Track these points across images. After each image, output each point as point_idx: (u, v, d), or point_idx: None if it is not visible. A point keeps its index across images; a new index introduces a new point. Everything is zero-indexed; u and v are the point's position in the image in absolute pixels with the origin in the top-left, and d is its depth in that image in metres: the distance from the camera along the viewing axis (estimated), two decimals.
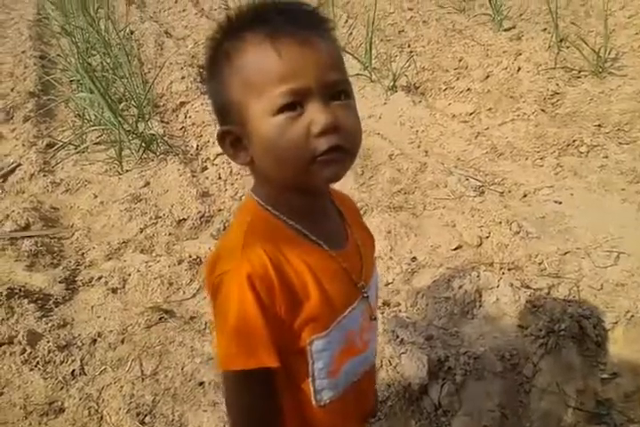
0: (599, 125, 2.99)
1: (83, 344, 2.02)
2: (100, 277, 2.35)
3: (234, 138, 0.82)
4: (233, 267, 0.79)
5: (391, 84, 3.83)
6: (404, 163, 2.96)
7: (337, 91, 0.79)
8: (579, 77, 3.46)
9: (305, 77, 0.76)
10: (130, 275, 2.33)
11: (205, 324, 2.07)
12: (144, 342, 2.00)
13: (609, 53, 3.53)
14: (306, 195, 0.86)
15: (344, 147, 0.78)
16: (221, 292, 0.80)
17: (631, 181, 2.56)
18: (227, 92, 0.80)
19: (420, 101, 3.65)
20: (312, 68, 0.77)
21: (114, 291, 2.28)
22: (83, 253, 2.55)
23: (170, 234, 2.55)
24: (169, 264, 2.33)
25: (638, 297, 1.93)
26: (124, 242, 2.53)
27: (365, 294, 0.93)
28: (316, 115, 0.76)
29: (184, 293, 2.24)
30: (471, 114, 3.38)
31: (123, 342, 2.03)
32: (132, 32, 5.16)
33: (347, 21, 5.01)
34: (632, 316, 1.88)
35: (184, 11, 5.88)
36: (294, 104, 0.76)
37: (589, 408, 1.70)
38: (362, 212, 2.62)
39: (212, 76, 0.84)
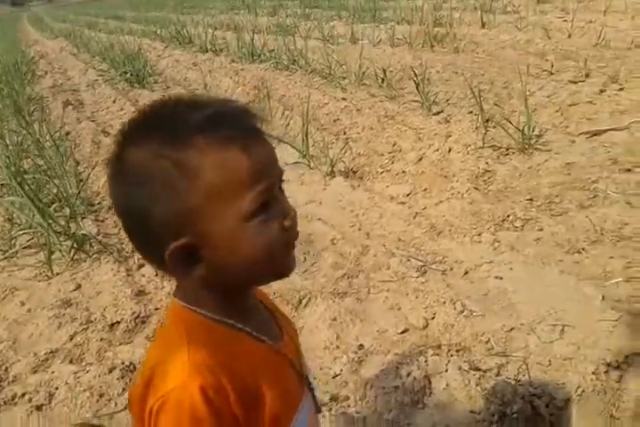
0: (531, 199, 3.13)
1: None
2: (23, 394, 2.21)
3: (187, 252, 0.76)
4: (179, 383, 0.72)
5: (329, 169, 3.96)
6: (346, 247, 2.99)
7: (281, 180, 0.83)
8: (507, 155, 3.66)
9: (270, 175, 0.78)
10: (57, 388, 2.20)
11: None
12: None
13: (533, 131, 3.77)
14: (246, 293, 0.86)
15: (297, 232, 0.83)
16: (166, 417, 0.72)
17: (567, 252, 2.64)
18: (182, 204, 0.74)
19: (359, 185, 3.77)
20: (272, 164, 0.79)
21: (38, 408, 2.13)
22: (6, 368, 2.40)
23: (101, 340, 2.45)
24: (99, 373, 2.21)
25: (587, 371, 1.94)
26: (51, 352, 2.40)
27: (311, 385, 0.93)
28: (285, 209, 0.79)
29: (116, 404, 2.11)
30: (408, 195, 3.49)
31: None
32: (67, 133, 5.25)
33: (283, 113, 5.24)
34: (583, 391, 1.87)
35: (122, 110, 6.05)
36: (265, 203, 0.77)
37: None
38: (305, 300, 2.62)
39: (149, 190, 0.75)
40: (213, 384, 0.73)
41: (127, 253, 3.16)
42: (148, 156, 0.75)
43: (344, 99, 5.28)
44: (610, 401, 1.85)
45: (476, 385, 1.93)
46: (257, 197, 0.75)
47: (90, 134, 5.21)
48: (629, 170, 3.21)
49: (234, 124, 0.77)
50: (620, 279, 2.39)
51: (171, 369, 0.75)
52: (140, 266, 3.03)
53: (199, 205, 0.74)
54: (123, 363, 2.28)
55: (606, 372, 1.93)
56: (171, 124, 0.76)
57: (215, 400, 0.72)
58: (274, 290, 2.64)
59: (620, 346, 1.99)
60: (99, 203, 3.84)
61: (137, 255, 3.12)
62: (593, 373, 1.93)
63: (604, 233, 2.72)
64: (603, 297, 2.26)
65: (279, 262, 0.80)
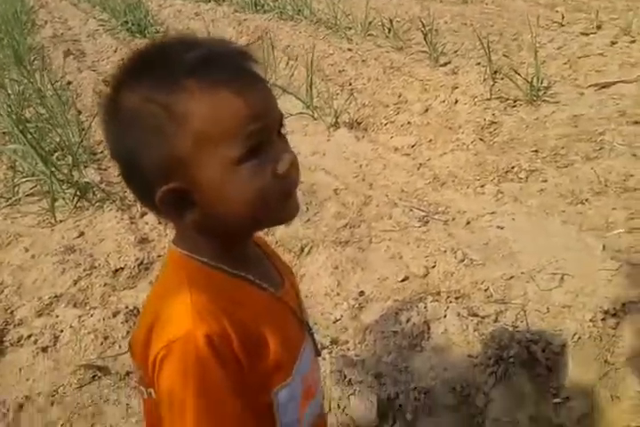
0: (536, 151, 3.08)
1: (8, 411, 1.89)
2: (29, 336, 2.24)
3: (178, 196, 0.75)
4: (184, 332, 0.71)
5: (333, 121, 3.89)
6: (349, 197, 2.97)
7: (282, 126, 0.79)
8: (514, 106, 3.59)
9: (265, 118, 0.74)
10: (62, 331, 2.22)
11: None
12: (75, 404, 1.89)
13: (541, 83, 3.68)
14: (244, 240, 0.85)
15: (298, 180, 0.79)
16: (171, 367, 0.71)
17: (570, 203, 2.62)
18: (170, 149, 0.72)
19: (363, 137, 3.71)
20: (267, 108, 0.76)
21: (44, 350, 2.16)
22: (12, 311, 2.43)
23: (105, 285, 2.47)
24: (103, 317, 2.23)
25: (584, 318, 1.94)
26: (55, 296, 2.42)
27: (311, 331, 0.93)
28: (280, 154, 0.75)
29: (120, 347, 2.14)
30: (412, 146, 3.44)
31: (52, 404, 1.92)
32: (69, 82, 5.15)
33: (288, 63, 5.12)
34: (579, 338, 1.89)
35: (123, 60, 5.91)
36: (257, 147, 0.73)
37: None
38: (308, 248, 2.62)
39: (139, 134, 0.74)
40: (218, 331, 0.72)
41: (130, 201, 3.14)
42: (138, 99, 0.73)
43: (350, 49, 5.14)
44: (605, 347, 1.87)
45: (474, 331, 1.94)
46: (247, 139, 0.72)
47: (91, 84, 5.11)
48: (637, 122, 3.15)
49: (228, 66, 0.74)
50: (622, 230, 2.38)
51: (174, 314, 0.74)
52: (143, 214, 3.02)
53: (188, 149, 0.72)
54: (127, 307, 2.30)
55: (603, 319, 1.93)
56: (162, 66, 0.73)
57: (221, 349, 0.71)
58: (276, 238, 2.64)
59: (618, 295, 1.99)
60: (101, 152, 3.80)
61: (139, 203, 3.11)
62: (590, 320, 1.93)
63: (608, 184, 2.68)
64: (603, 247, 2.25)
65: (275, 209, 0.77)
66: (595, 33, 4.48)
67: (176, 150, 0.72)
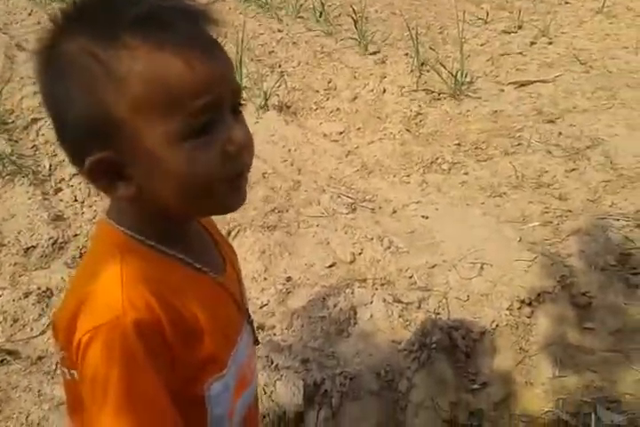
0: (459, 144, 3.14)
1: None
2: None
3: (110, 167, 0.66)
4: (112, 317, 0.63)
5: (262, 103, 3.78)
6: (278, 181, 2.91)
7: (239, 101, 0.70)
8: (439, 99, 3.63)
9: (217, 89, 0.65)
10: None
11: (56, 364, 1.83)
12: None
13: (465, 77, 3.75)
14: (187, 221, 0.77)
15: (250, 165, 0.71)
16: (96, 352, 0.63)
17: (490, 195, 2.69)
18: (103, 112, 0.63)
19: (292, 121, 3.64)
20: (220, 78, 0.66)
21: None
22: None
23: (15, 264, 2.27)
24: (13, 298, 2.06)
25: (502, 307, 2.01)
26: None
27: (250, 318, 0.88)
28: (232, 132, 0.66)
29: (31, 329, 1.99)
30: (341, 133, 3.41)
31: None
32: None
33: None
34: (497, 325, 1.95)
35: (38, 23, 5.47)
36: (207, 124, 0.64)
37: (462, 420, 1.71)
38: (235, 232, 2.54)
39: (71, 87, 0.64)
40: (148, 318, 0.64)
41: (44, 175, 2.91)
42: (75, 49, 0.64)
43: (280, 30, 5.01)
44: (521, 335, 1.94)
45: (399, 317, 1.96)
46: (194, 114, 0.63)
47: (2, 48, 4.68)
48: (552, 121, 3.28)
49: (180, 27, 0.64)
50: (537, 223, 2.47)
51: (103, 295, 0.66)
52: (58, 190, 2.81)
53: (123, 115, 0.63)
54: (39, 288, 2.13)
55: (519, 308, 2.01)
56: (105, 17, 0.64)
57: (149, 337, 0.64)
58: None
59: (533, 284, 2.07)
60: (12, 122, 3.49)
61: (54, 178, 2.90)
62: (507, 308, 2.00)
63: (524, 179, 2.78)
64: (520, 239, 2.33)
65: (218, 195, 0.68)
66: (516, 32, 4.61)
67: (110, 114, 0.63)
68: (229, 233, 2.49)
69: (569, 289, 2.08)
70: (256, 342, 0.91)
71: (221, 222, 2.56)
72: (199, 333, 0.71)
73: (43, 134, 3.26)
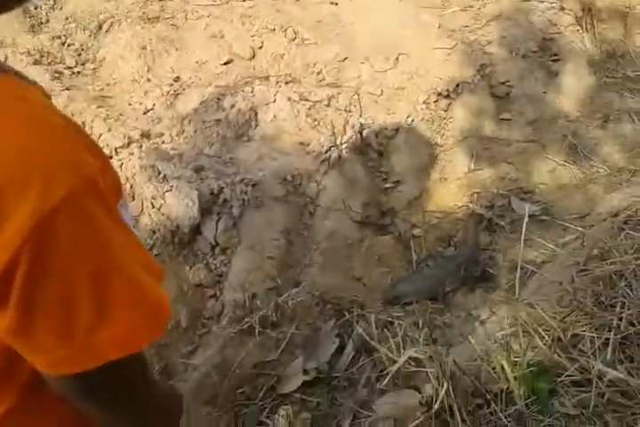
0: None
1: None
2: None
3: None
4: (73, 182, 0.42)
5: None
6: None
7: None
8: None
9: None
10: None
11: None
12: None
13: None
14: None
15: None
16: (66, 230, 0.42)
17: None
18: None
19: None
20: None
21: None
22: None
23: None
24: None
25: (418, 100, 1.70)
26: None
27: None
28: None
29: None
30: None
31: None
32: None
33: None
34: (412, 120, 1.66)
35: None
36: None
37: (374, 221, 1.51)
38: (107, 25, 1.97)
39: None
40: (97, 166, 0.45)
41: None
42: None
43: None
44: (436, 130, 1.68)
45: (306, 116, 1.62)
46: None
47: None
48: None
49: None
50: (457, 8, 2.06)
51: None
52: None
53: None
54: None
55: (436, 101, 1.71)
56: None
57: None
58: (65, 13, 1.94)
59: (452, 75, 1.76)
60: None
61: None
62: (423, 102, 1.70)
63: None
64: (439, 25, 1.94)
65: None
66: None
67: None
68: (100, 27, 1.93)
69: (488, 79, 1.78)
70: None
71: (90, 14, 1.98)
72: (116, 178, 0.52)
73: None
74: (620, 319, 0.94)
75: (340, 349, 1.17)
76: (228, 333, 1.20)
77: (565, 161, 1.64)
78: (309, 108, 1.64)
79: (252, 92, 1.68)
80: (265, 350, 1.17)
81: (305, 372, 1.12)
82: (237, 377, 1.12)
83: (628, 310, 0.94)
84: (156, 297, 0.48)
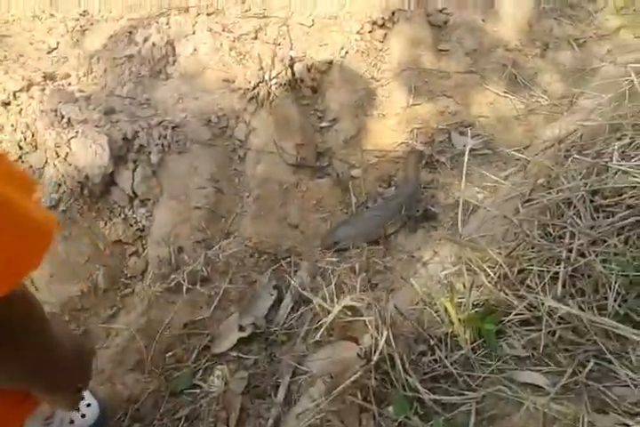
0: None
1: None
2: None
3: None
4: None
5: None
6: None
7: None
8: None
9: None
10: None
11: None
12: None
13: None
14: None
15: None
16: None
17: None
18: None
19: None
20: None
21: None
22: None
23: None
24: None
25: (352, 30, 1.54)
26: None
27: None
28: None
29: None
30: None
31: None
32: None
33: None
34: (347, 52, 1.51)
35: None
36: None
37: (310, 163, 1.38)
38: None
39: None
40: None
41: None
42: None
43: None
44: (372, 62, 1.53)
45: (230, 50, 1.44)
46: None
47: None
48: None
49: None
50: None
51: None
52: None
53: None
54: None
55: (371, 31, 1.56)
56: None
57: None
58: None
59: (387, 2, 1.59)
60: None
61: None
62: (358, 32, 1.54)
63: None
64: None
65: None
66: None
67: None
68: None
69: (425, 5, 1.64)
70: None
71: None
72: None
73: None
74: (570, 251, 0.87)
75: (279, 301, 1.07)
76: (154, 292, 1.07)
77: (505, 92, 1.54)
78: (233, 41, 1.46)
79: (167, 23, 1.47)
80: (196, 309, 1.05)
81: (241, 328, 1.02)
82: (166, 340, 1.00)
83: (578, 240, 0.88)
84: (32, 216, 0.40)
